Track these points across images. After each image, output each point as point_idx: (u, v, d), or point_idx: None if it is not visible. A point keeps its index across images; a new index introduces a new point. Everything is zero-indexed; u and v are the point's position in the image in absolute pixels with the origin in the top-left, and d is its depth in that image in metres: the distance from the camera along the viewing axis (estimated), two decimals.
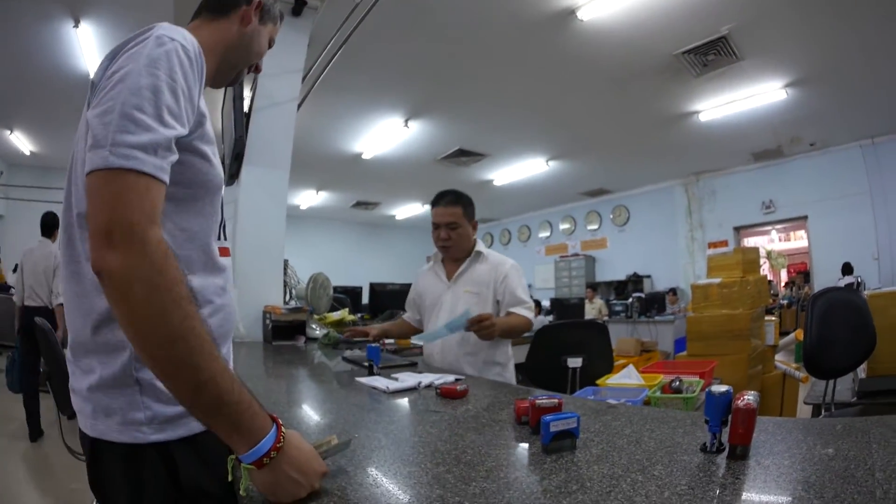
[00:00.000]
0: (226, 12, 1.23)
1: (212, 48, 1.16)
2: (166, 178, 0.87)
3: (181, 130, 0.91)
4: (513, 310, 2.57)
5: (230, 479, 0.88)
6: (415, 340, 2.59)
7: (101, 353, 0.97)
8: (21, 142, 9.95)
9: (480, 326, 2.27)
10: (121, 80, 0.88)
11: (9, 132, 9.52)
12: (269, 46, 1.36)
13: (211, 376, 0.80)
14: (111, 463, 0.98)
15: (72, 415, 2.26)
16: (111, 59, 0.95)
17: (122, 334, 0.86)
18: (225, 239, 1.18)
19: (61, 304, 3.81)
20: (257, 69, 1.36)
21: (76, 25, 5.85)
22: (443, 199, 2.68)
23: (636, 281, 13.13)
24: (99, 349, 0.97)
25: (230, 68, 1.27)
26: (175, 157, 0.90)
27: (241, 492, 0.85)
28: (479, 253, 2.70)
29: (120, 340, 0.94)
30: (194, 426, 0.99)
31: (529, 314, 2.58)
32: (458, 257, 2.72)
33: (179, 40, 0.95)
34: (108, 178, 0.81)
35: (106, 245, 0.78)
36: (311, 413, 1.55)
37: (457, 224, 2.64)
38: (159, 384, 0.89)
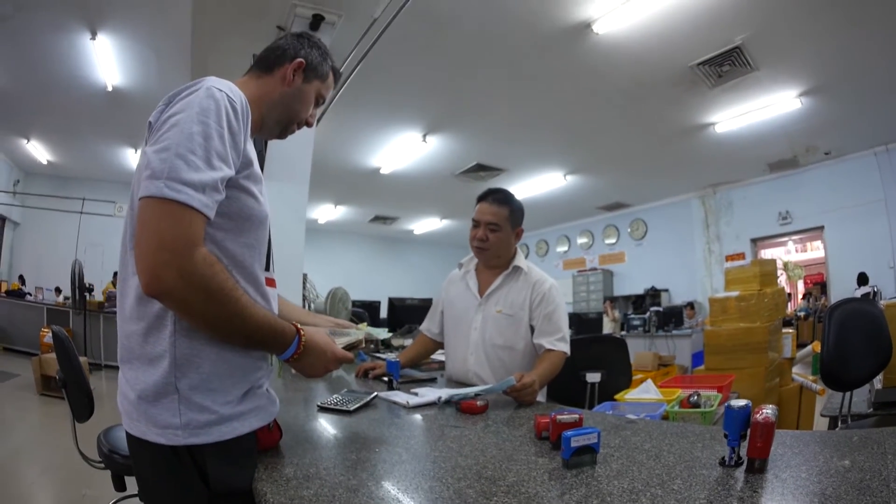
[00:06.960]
0: (270, 70, 1.36)
1: (255, 102, 1.28)
2: (210, 214, 1.02)
3: (227, 172, 1.06)
4: (546, 343, 2.27)
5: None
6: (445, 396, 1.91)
7: (147, 362, 1.07)
8: (38, 151, 10.14)
9: (522, 395, 1.89)
10: (176, 124, 1.03)
11: (26, 141, 9.70)
12: (320, 103, 1.47)
13: (257, 328, 1.08)
14: (149, 459, 1.10)
15: (86, 420, 2.29)
16: (167, 103, 1.10)
17: (166, 343, 1.05)
18: (273, 271, 1.33)
19: None
20: (307, 124, 1.46)
21: (93, 38, 6.02)
22: (490, 196, 2.42)
23: (654, 295, 12.99)
24: (145, 357, 1.07)
25: (274, 123, 1.39)
26: (221, 196, 1.05)
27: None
28: (518, 268, 2.41)
29: (163, 350, 1.05)
30: (225, 431, 1.09)
31: (565, 346, 2.29)
32: (493, 265, 2.46)
33: (227, 92, 1.10)
34: (161, 206, 0.97)
35: (156, 271, 0.95)
36: (328, 427, 1.56)
37: (498, 227, 2.36)
38: (195, 395, 1.06)
